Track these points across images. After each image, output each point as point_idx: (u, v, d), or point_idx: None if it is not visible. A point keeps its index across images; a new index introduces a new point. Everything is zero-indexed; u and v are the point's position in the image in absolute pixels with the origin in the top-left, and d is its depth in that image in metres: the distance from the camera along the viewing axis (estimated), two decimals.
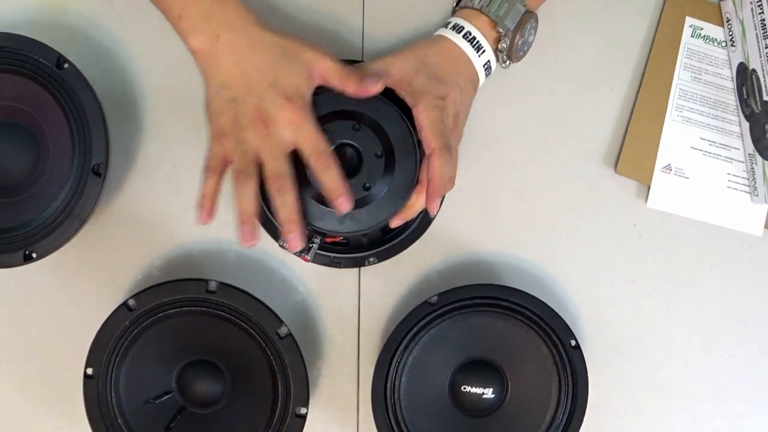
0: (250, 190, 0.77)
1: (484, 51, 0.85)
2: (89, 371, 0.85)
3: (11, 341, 0.92)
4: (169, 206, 0.93)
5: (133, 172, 0.93)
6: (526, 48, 0.89)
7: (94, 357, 0.85)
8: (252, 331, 0.86)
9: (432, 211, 0.82)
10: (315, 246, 0.83)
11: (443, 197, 0.85)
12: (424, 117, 0.80)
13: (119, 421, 0.86)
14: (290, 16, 0.94)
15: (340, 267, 0.92)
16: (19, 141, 0.87)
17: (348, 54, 0.93)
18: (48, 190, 0.86)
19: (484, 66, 0.86)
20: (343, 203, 0.78)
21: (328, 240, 0.87)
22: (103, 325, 0.85)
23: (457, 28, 0.85)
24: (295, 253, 0.83)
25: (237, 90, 0.78)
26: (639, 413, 0.95)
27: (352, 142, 0.81)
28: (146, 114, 0.93)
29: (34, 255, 0.85)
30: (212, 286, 0.85)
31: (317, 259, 0.91)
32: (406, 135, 0.82)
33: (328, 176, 0.77)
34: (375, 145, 0.82)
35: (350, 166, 0.82)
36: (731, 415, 0.96)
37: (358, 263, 0.92)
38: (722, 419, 0.96)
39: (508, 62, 0.88)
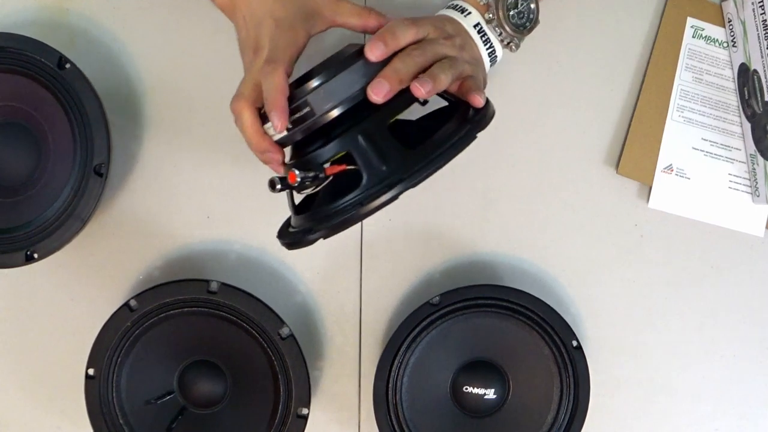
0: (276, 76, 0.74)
1: (469, 13, 0.83)
2: (91, 372, 0.85)
3: (13, 341, 0.92)
4: (171, 206, 0.92)
5: (134, 172, 0.93)
6: (522, 19, 0.86)
7: (95, 357, 0.85)
8: (253, 331, 0.86)
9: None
10: (310, 176, 0.74)
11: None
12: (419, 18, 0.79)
13: (120, 421, 0.86)
14: None
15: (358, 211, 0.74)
16: (20, 141, 0.87)
17: None
18: (49, 190, 0.86)
19: (475, 28, 0.83)
20: (276, 118, 0.72)
21: (330, 171, 0.75)
22: (104, 325, 0.85)
23: (446, 6, 0.85)
24: (285, 170, 0.75)
25: (249, 19, 0.78)
26: (640, 413, 0.95)
27: None
28: (147, 114, 0.93)
29: (35, 255, 0.84)
30: (213, 286, 0.85)
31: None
32: None
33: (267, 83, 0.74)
34: None
35: None
36: (731, 415, 0.96)
37: (377, 196, 0.72)
38: (722, 419, 0.96)
39: (508, 39, 0.85)
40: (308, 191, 0.74)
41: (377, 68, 0.73)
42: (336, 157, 0.74)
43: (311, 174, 0.73)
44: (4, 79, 0.85)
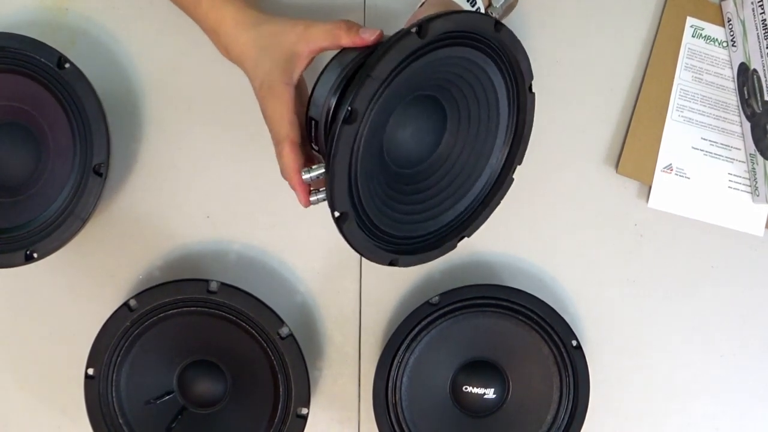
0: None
1: (476, 4, 0.85)
2: (90, 371, 0.85)
3: (12, 341, 0.92)
4: (170, 206, 0.92)
5: (133, 171, 0.93)
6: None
7: (95, 357, 0.85)
8: (253, 331, 0.86)
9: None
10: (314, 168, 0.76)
11: None
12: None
13: (120, 421, 0.86)
14: (289, 5, 0.94)
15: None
16: (20, 141, 0.87)
17: None
18: (49, 190, 0.86)
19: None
20: (300, 199, 0.77)
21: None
22: (104, 325, 0.85)
23: None
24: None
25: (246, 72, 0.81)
26: (639, 413, 0.95)
27: None
28: (147, 114, 0.93)
29: (35, 255, 0.84)
30: (213, 286, 0.85)
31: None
32: None
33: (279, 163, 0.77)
34: None
35: None
36: (731, 415, 0.96)
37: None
38: (722, 419, 0.96)
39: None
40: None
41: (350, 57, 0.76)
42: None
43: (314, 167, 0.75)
44: (3, 78, 0.85)
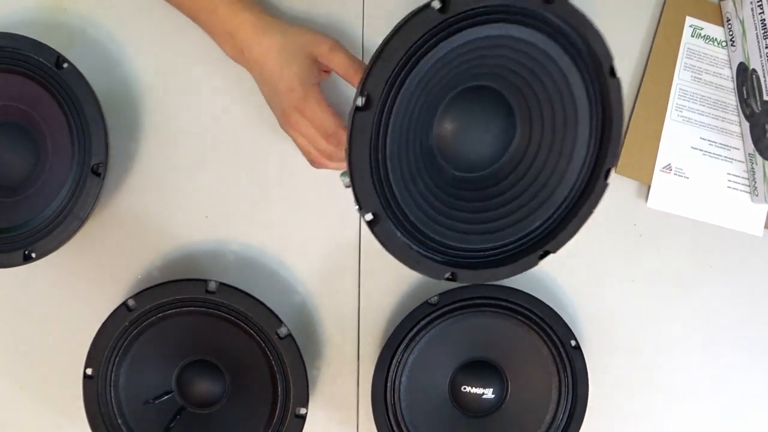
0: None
1: None
2: (89, 371, 0.85)
3: (11, 341, 0.92)
4: (169, 206, 0.92)
5: (132, 172, 0.93)
6: None
7: (93, 357, 0.85)
8: (252, 331, 0.86)
9: None
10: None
11: None
12: None
13: (119, 421, 0.86)
14: (291, 16, 0.94)
15: None
16: (18, 141, 0.87)
17: None
18: (47, 190, 0.86)
19: None
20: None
21: None
22: (102, 325, 0.85)
23: None
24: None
25: (266, 92, 0.85)
26: (639, 413, 0.95)
27: None
28: (146, 114, 0.93)
29: (33, 255, 0.84)
30: (212, 286, 0.85)
31: None
32: None
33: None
34: None
35: None
36: (731, 415, 0.96)
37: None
38: (722, 419, 0.96)
39: None
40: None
41: None
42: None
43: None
44: (2, 78, 0.85)
